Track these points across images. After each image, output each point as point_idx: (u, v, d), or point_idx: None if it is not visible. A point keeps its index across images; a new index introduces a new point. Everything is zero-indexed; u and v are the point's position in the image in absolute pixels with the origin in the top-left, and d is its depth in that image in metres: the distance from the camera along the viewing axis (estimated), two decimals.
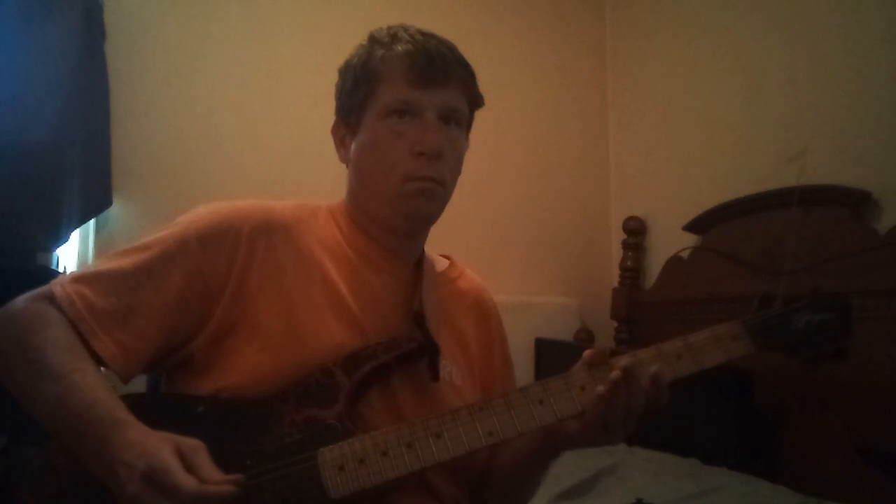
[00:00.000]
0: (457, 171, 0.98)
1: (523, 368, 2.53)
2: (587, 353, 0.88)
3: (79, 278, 0.86)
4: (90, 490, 0.78)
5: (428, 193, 0.93)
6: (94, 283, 0.85)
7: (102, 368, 0.84)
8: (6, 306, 0.85)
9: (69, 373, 0.79)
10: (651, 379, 0.84)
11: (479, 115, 1.04)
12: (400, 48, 0.93)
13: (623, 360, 0.85)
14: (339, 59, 1.01)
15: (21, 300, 0.86)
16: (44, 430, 0.82)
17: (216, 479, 0.72)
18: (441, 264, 1.09)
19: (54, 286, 0.85)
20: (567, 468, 1.86)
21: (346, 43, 1.01)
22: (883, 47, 2.06)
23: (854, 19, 2.15)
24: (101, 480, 0.74)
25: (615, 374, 0.82)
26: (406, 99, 0.91)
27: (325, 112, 1.04)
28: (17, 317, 0.84)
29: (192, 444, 0.74)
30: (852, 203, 2.05)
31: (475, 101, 0.99)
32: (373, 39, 0.97)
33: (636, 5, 3.05)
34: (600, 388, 0.82)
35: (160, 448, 0.72)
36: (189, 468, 0.71)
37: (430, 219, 0.98)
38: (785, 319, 0.92)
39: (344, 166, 1.02)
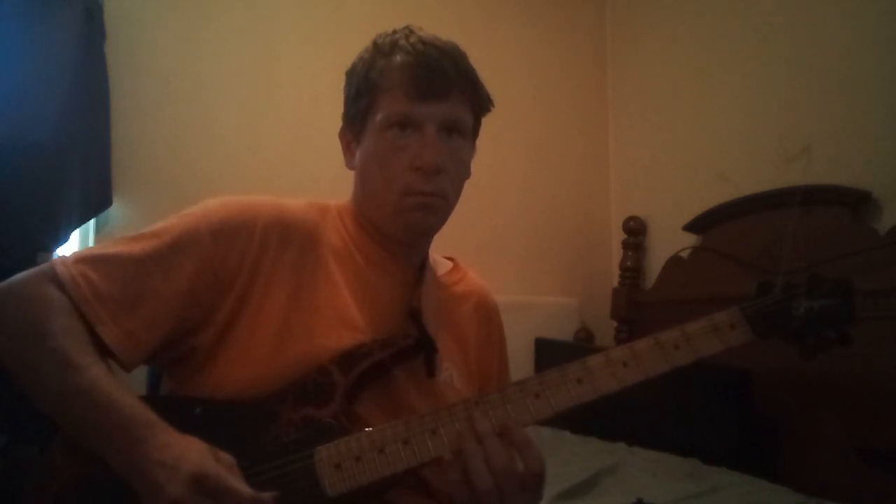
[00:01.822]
0: (460, 181, 0.97)
1: (523, 368, 2.53)
2: None
3: (84, 259, 0.84)
4: (93, 490, 0.78)
5: (427, 208, 0.93)
6: (100, 267, 0.84)
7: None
8: (6, 283, 0.83)
9: (89, 365, 0.78)
10: (500, 432, 0.79)
11: None
12: (399, 59, 0.92)
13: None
14: (340, 59, 1.01)
15: (21, 279, 0.83)
16: (48, 429, 0.81)
17: (260, 495, 0.72)
18: (444, 267, 1.09)
19: (57, 266, 0.83)
20: (567, 468, 1.86)
21: (347, 43, 1.01)
22: (883, 47, 2.06)
23: (854, 19, 2.15)
24: (124, 476, 0.74)
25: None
26: (405, 112, 0.91)
27: (326, 112, 1.05)
28: (24, 298, 0.81)
29: (228, 458, 0.75)
30: (852, 203, 2.05)
31: (481, 107, 0.98)
32: (375, 47, 0.95)
33: (636, 6, 3.05)
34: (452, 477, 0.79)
35: (206, 456, 0.72)
36: None
37: (431, 231, 0.98)
38: (785, 306, 0.90)
39: (344, 167, 1.02)
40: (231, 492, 0.70)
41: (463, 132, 0.95)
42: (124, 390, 0.78)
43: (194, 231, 0.88)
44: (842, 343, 0.90)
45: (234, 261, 0.88)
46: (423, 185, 0.91)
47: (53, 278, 0.82)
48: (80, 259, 0.84)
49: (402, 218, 0.93)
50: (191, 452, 0.72)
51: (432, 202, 0.92)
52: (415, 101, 0.90)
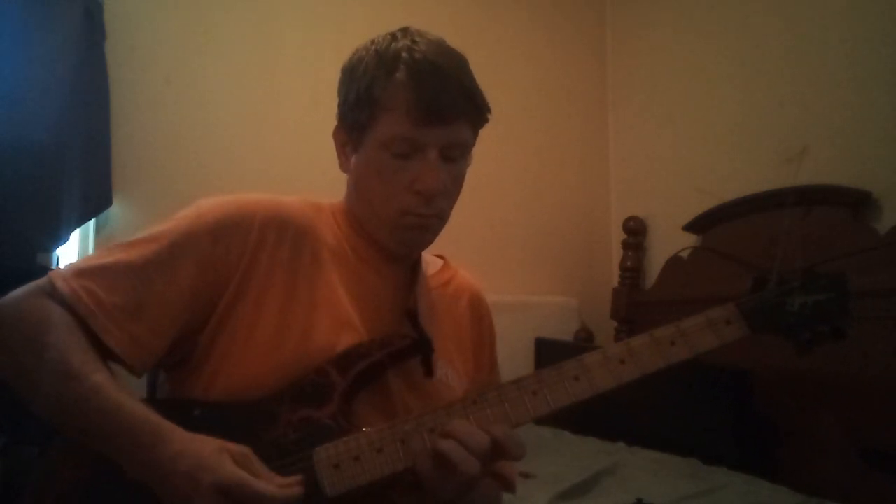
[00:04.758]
0: (457, 196, 0.96)
1: (523, 368, 2.51)
2: None
3: (83, 272, 0.83)
4: (93, 492, 0.78)
5: (424, 228, 0.93)
6: (100, 278, 0.83)
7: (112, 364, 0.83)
8: (3, 299, 0.82)
9: (91, 373, 0.77)
10: (492, 444, 0.78)
11: None
12: (402, 78, 0.88)
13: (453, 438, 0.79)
14: (340, 59, 1.00)
15: (18, 296, 0.82)
16: (47, 429, 0.81)
17: (284, 481, 0.73)
18: (435, 265, 1.09)
19: (56, 280, 0.82)
20: (567, 468, 1.86)
21: (347, 43, 1.01)
22: (883, 48, 2.06)
23: (854, 19, 2.15)
24: (138, 479, 0.74)
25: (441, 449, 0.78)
26: (408, 137, 0.88)
27: (326, 112, 1.04)
28: (23, 314, 0.81)
29: (242, 451, 0.74)
30: (852, 203, 2.05)
31: (482, 122, 0.96)
32: (377, 56, 0.91)
33: (636, 5, 3.05)
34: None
35: (222, 460, 0.72)
36: (252, 475, 0.72)
37: (424, 247, 0.99)
38: (780, 301, 0.91)
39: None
40: (260, 497, 0.70)
41: (464, 153, 0.94)
42: (128, 395, 0.78)
43: (192, 233, 0.87)
44: (835, 337, 0.91)
45: (234, 258, 0.88)
46: (423, 208, 0.90)
47: (53, 294, 0.81)
48: (79, 272, 0.83)
49: (397, 234, 0.93)
50: (205, 458, 0.72)
51: (430, 223, 0.93)
52: (418, 126, 0.87)
